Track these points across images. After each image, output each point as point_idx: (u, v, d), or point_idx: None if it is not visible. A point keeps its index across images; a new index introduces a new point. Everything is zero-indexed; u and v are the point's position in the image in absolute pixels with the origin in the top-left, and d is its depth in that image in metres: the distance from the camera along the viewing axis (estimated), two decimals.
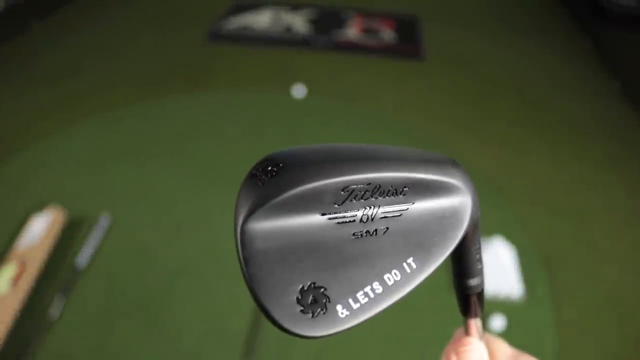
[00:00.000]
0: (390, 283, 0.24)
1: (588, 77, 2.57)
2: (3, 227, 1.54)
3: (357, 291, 0.23)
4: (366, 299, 0.23)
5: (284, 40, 2.80)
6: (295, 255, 0.23)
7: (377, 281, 0.24)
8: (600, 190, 1.81)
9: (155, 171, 1.81)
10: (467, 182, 0.26)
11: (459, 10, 3.30)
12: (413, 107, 2.28)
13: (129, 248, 1.50)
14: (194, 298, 1.36)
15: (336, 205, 0.23)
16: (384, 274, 0.24)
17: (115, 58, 2.62)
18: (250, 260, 0.22)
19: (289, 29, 2.90)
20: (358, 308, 0.23)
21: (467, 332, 0.31)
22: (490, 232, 1.51)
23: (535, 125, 2.16)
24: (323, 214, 0.23)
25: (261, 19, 3.00)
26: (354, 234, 0.24)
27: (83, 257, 1.42)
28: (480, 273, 0.29)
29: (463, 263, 0.29)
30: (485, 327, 1.25)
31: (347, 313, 0.23)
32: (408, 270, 0.25)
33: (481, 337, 0.31)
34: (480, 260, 0.29)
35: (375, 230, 0.24)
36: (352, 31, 2.91)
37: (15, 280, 1.31)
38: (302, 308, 0.22)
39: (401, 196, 0.25)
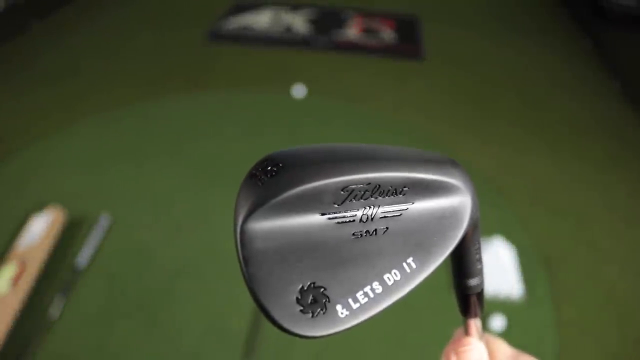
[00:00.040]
0: (390, 283, 0.24)
1: (588, 77, 2.57)
2: (3, 227, 1.54)
3: (357, 291, 0.23)
4: (366, 299, 0.23)
5: (284, 40, 2.80)
6: (294, 255, 0.22)
7: (377, 281, 0.24)
8: (600, 190, 1.81)
9: (155, 171, 1.81)
10: (466, 182, 0.26)
11: (459, 10, 3.30)
12: (413, 107, 2.28)
13: (129, 248, 1.50)
14: (194, 298, 1.36)
15: (336, 205, 0.23)
16: (384, 273, 0.24)
17: (114, 58, 2.62)
18: (249, 260, 0.22)
19: (289, 29, 2.90)
20: (358, 308, 0.23)
21: (466, 332, 0.31)
22: (490, 232, 1.51)
23: (535, 125, 2.16)
24: (323, 214, 0.23)
25: (261, 19, 3.00)
26: (353, 234, 0.24)
27: (83, 257, 1.42)
28: (480, 273, 0.29)
29: (463, 263, 0.29)
30: (485, 327, 1.25)
31: (347, 313, 0.23)
32: (408, 270, 0.25)
33: (481, 337, 0.31)
34: (480, 260, 0.29)
35: (375, 230, 0.24)
36: (352, 31, 2.91)
37: (15, 280, 1.31)
38: (301, 308, 0.22)
39: (401, 196, 0.25)
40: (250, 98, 2.26)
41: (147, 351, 1.23)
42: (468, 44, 2.86)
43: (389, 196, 0.24)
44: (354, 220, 0.24)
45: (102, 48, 2.73)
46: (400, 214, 0.25)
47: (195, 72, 2.47)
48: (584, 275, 1.47)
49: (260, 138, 1.98)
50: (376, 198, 0.24)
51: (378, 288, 0.24)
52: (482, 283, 0.30)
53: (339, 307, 0.23)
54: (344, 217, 0.23)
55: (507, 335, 1.26)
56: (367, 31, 2.92)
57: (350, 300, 0.23)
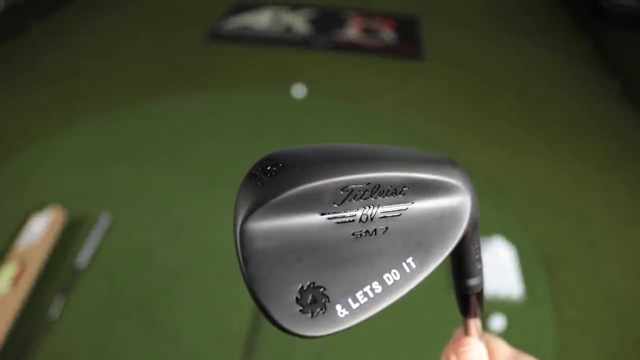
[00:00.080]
0: (389, 283, 0.24)
1: (588, 77, 2.57)
2: (3, 227, 1.54)
3: (357, 291, 0.23)
4: (365, 299, 0.23)
5: (284, 40, 2.80)
6: (294, 254, 0.22)
7: (377, 281, 0.24)
8: (600, 190, 1.81)
9: (155, 171, 1.81)
10: (466, 182, 0.26)
11: (459, 10, 3.30)
12: (413, 107, 2.28)
13: (129, 248, 1.50)
14: (194, 298, 1.36)
15: (335, 205, 0.23)
16: (384, 273, 0.24)
17: (114, 58, 2.62)
18: (249, 260, 0.22)
19: (289, 29, 2.90)
20: (357, 308, 0.23)
21: (466, 332, 0.31)
22: (490, 232, 1.51)
23: (535, 125, 2.16)
24: (322, 214, 0.23)
25: (261, 19, 3.00)
26: (353, 234, 0.24)
27: (83, 257, 1.42)
28: (479, 273, 0.29)
29: (462, 263, 0.29)
30: (485, 327, 1.25)
31: (347, 313, 0.23)
32: (407, 270, 0.25)
33: (481, 337, 0.31)
34: (479, 260, 0.29)
35: (375, 230, 0.24)
36: (352, 31, 2.91)
37: (15, 280, 1.31)
38: (301, 308, 0.22)
39: (400, 196, 0.25)
40: (250, 98, 2.27)
41: (147, 351, 1.23)
42: (468, 44, 2.86)
43: (389, 196, 0.24)
44: (353, 220, 0.24)
45: (102, 48, 2.73)
46: (400, 214, 0.25)
47: (195, 72, 2.48)
48: (584, 275, 1.47)
49: (260, 138, 1.98)
50: (376, 198, 0.24)
51: (378, 288, 0.24)
52: (481, 283, 0.30)
53: (338, 307, 0.23)
54: (343, 217, 0.23)
55: (507, 335, 1.26)
56: (367, 31, 2.92)
57: (349, 300, 0.23)
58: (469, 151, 1.95)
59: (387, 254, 0.24)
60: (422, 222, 0.25)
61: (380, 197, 0.24)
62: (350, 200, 0.23)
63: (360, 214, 0.24)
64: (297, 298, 0.22)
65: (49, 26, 2.93)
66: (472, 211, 0.27)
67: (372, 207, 0.24)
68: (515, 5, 3.45)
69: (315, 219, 0.23)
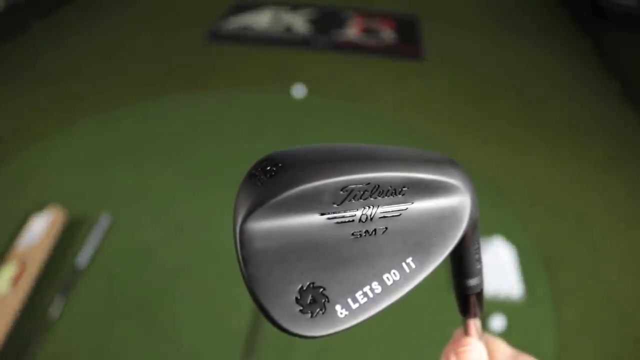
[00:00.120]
0: (389, 283, 0.24)
1: (588, 77, 2.57)
2: (3, 227, 1.54)
3: (356, 291, 0.23)
4: (365, 299, 0.23)
5: (284, 40, 2.80)
6: (294, 255, 0.22)
7: (376, 281, 0.24)
8: (600, 190, 1.81)
9: (155, 171, 1.81)
10: (466, 182, 0.26)
11: (459, 10, 3.30)
12: (413, 107, 2.28)
13: (129, 248, 1.50)
14: (194, 298, 1.36)
15: (335, 205, 0.23)
16: (383, 273, 0.24)
17: (114, 58, 2.62)
18: (249, 260, 0.22)
19: (289, 29, 2.90)
20: (357, 308, 0.23)
21: (466, 332, 0.31)
22: (490, 232, 1.51)
23: (535, 125, 2.16)
24: (322, 214, 0.23)
25: (261, 19, 3.00)
26: (353, 234, 0.24)
27: (83, 257, 1.42)
28: (479, 273, 0.29)
29: (462, 263, 0.29)
30: (485, 327, 1.25)
31: (346, 313, 0.23)
32: (407, 270, 0.25)
33: (480, 337, 0.31)
34: (479, 260, 0.29)
35: (375, 230, 0.24)
36: (352, 31, 2.91)
37: (15, 280, 1.31)
38: (301, 308, 0.22)
39: (400, 196, 0.25)
40: (250, 98, 2.27)
41: (147, 351, 1.23)
42: (468, 44, 2.86)
43: (388, 196, 0.24)
44: (353, 220, 0.24)
45: (102, 48, 2.73)
46: (400, 214, 0.25)
47: (195, 72, 2.48)
48: (584, 275, 1.47)
49: (260, 138, 1.98)
50: (375, 198, 0.24)
51: (377, 288, 0.24)
52: (481, 283, 0.30)
53: (338, 307, 0.23)
54: (343, 217, 0.23)
55: (507, 335, 1.26)
56: (367, 31, 2.92)
57: (349, 300, 0.23)
58: (469, 151, 1.95)
59: (387, 254, 0.24)
60: (421, 222, 0.25)
61: (379, 197, 0.24)
62: (350, 200, 0.23)
63: (360, 214, 0.24)
64: (296, 298, 0.22)
65: (49, 26, 2.93)
66: (471, 211, 0.27)
67: (371, 207, 0.24)
68: (515, 5, 3.45)
69: (315, 219, 0.23)
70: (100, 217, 1.55)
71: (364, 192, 0.24)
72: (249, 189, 0.23)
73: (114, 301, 1.35)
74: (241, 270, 0.22)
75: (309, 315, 0.22)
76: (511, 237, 1.49)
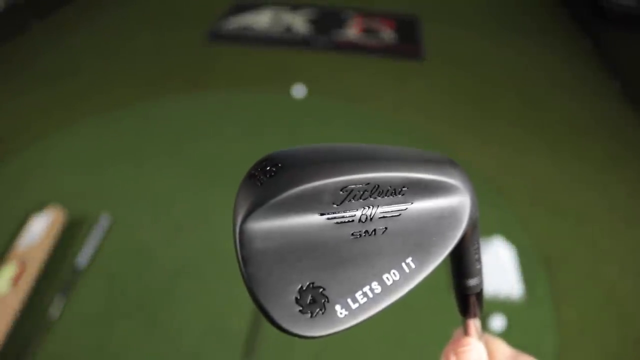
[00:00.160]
0: (389, 283, 0.24)
1: (588, 77, 2.57)
2: (3, 227, 1.54)
3: (356, 291, 0.23)
4: (365, 299, 0.23)
5: (284, 40, 2.80)
6: (294, 255, 0.22)
7: (376, 281, 0.24)
8: (600, 190, 1.81)
9: (155, 171, 1.81)
10: (465, 182, 0.26)
11: (459, 10, 3.30)
12: (413, 107, 2.28)
13: (129, 248, 1.50)
14: (194, 298, 1.36)
15: (335, 205, 0.23)
16: (383, 274, 0.24)
17: (114, 58, 2.62)
18: (249, 260, 0.22)
19: (289, 29, 2.90)
20: (357, 308, 0.23)
21: (466, 333, 0.31)
22: (490, 232, 1.51)
23: (535, 125, 2.16)
24: (322, 214, 0.23)
25: (261, 19, 3.00)
26: (352, 234, 0.24)
27: (83, 257, 1.42)
28: (479, 273, 0.29)
29: (462, 263, 0.29)
30: (485, 327, 1.25)
31: (346, 313, 0.23)
32: (407, 270, 0.25)
33: (480, 337, 0.31)
34: (479, 260, 0.29)
35: (374, 230, 0.24)
36: (352, 31, 2.91)
37: (15, 280, 1.31)
38: (300, 308, 0.22)
39: (400, 196, 0.25)
40: (250, 98, 2.26)
41: (147, 351, 1.23)
42: (468, 44, 2.86)
43: (388, 196, 0.24)
44: (352, 221, 0.24)
45: (102, 48, 2.73)
46: (399, 214, 0.25)
47: (195, 72, 2.48)
48: (584, 275, 1.47)
49: (260, 138, 1.98)
50: (375, 198, 0.24)
51: (377, 288, 0.24)
52: (481, 283, 0.30)
53: (338, 307, 0.23)
54: (343, 217, 0.23)
55: (507, 335, 1.26)
56: (367, 31, 2.92)
57: (349, 301, 0.23)
58: (469, 151, 1.95)
59: (387, 254, 0.24)
60: (421, 222, 0.25)
61: (379, 197, 0.24)
62: (350, 200, 0.23)
63: (360, 214, 0.24)
64: (296, 298, 0.22)
65: (49, 26, 2.93)
66: (471, 211, 0.27)
67: (371, 207, 0.24)
68: (515, 5, 3.45)
69: (314, 219, 0.23)
70: (100, 217, 1.55)
71: (363, 192, 0.24)
72: (248, 189, 0.23)
73: (114, 301, 1.35)
74: (241, 270, 0.22)
75: (309, 315, 0.22)
76: (511, 237, 1.49)
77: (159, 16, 3.12)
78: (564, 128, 2.16)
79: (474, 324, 0.31)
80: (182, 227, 1.57)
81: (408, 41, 2.84)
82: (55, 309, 1.28)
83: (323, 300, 0.22)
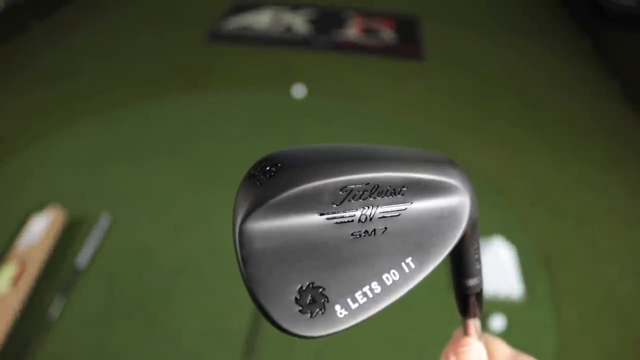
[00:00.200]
0: (388, 283, 0.24)
1: (588, 77, 2.57)
2: (3, 227, 1.54)
3: (356, 291, 0.23)
4: (365, 299, 0.23)
5: (284, 40, 2.80)
6: (293, 255, 0.22)
7: (376, 281, 0.24)
8: (600, 190, 1.81)
9: (155, 171, 1.81)
10: (465, 182, 0.26)
11: (459, 10, 3.30)
12: (413, 107, 2.28)
13: (129, 248, 1.50)
14: (194, 298, 1.36)
15: (334, 205, 0.23)
16: (383, 274, 0.24)
17: (114, 58, 2.62)
18: (248, 260, 0.22)
19: (289, 29, 2.90)
20: (356, 308, 0.23)
21: (465, 333, 0.31)
22: (490, 232, 1.51)
23: (535, 125, 2.16)
24: (321, 214, 0.23)
25: (261, 19, 3.00)
26: (352, 234, 0.24)
27: (83, 257, 1.42)
28: (478, 273, 0.29)
29: (462, 263, 0.29)
30: (485, 327, 1.26)
31: (346, 313, 0.23)
32: (407, 270, 0.25)
33: (480, 337, 0.31)
34: (478, 260, 0.29)
35: (374, 230, 0.24)
36: (352, 31, 2.91)
37: (15, 280, 1.31)
38: (300, 308, 0.22)
39: (399, 196, 0.25)
40: (250, 98, 2.26)
41: (147, 351, 1.23)
42: (468, 44, 2.86)
43: (388, 196, 0.24)
44: (352, 221, 0.24)
45: (102, 48, 2.73)
46: (399, 214, 0.25)
47: (195, 72, 2.47)
48: (584, 275, 1.47)
49: (260, 138, 1.98)
50: (375, 198, 0.24)
51: (377, 288, 0.24)
52: (481, 283, 0.30)
53: (337, 307, 0.23)
54: (342, 217, 0.23)
55: (507, 335, 1.26)
56: (367, 31, 2.92)
57: (349, 301, 0.23)
58: (469, 151, 1.95)
59: (386, 254, 0.24)
60: (421, 222, 0.25)
61: (379, 198, 0.24)
62: (349, 200, 0.23)
63: (360, 214, 0.24)
64: (296, 298, 0.22)
65: (49, 26, 2.93)
66: (471, 211, 0.27)
67: (371, 207, 0.24)
68: (515, 5, 3.45)
69: (314, 219, 0.23)
70: (100, 217, 1.55)
71: (363, 192, 0.24)
72: (248, 189, 0.23)
73: (114, 301, 1.35)
74: (240, 270, 0.22)
75: (309, 315, 0.22)
76: (511, 237, 1.49)
77: (159, 16, 3.12)
78: (564, 128, 2.16)
79: (474, 324, 0.31)
80: (182, 227, 1.57)
81: (408, 41, 2.84)
82: (55, 309, 1.28)
83: (323, 300, 0.22)
